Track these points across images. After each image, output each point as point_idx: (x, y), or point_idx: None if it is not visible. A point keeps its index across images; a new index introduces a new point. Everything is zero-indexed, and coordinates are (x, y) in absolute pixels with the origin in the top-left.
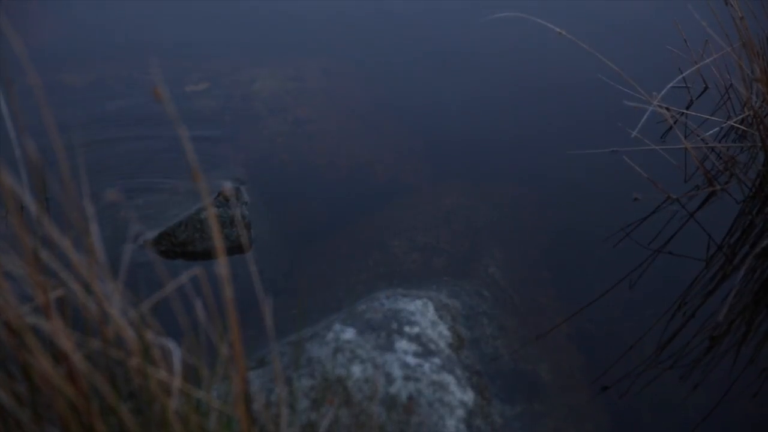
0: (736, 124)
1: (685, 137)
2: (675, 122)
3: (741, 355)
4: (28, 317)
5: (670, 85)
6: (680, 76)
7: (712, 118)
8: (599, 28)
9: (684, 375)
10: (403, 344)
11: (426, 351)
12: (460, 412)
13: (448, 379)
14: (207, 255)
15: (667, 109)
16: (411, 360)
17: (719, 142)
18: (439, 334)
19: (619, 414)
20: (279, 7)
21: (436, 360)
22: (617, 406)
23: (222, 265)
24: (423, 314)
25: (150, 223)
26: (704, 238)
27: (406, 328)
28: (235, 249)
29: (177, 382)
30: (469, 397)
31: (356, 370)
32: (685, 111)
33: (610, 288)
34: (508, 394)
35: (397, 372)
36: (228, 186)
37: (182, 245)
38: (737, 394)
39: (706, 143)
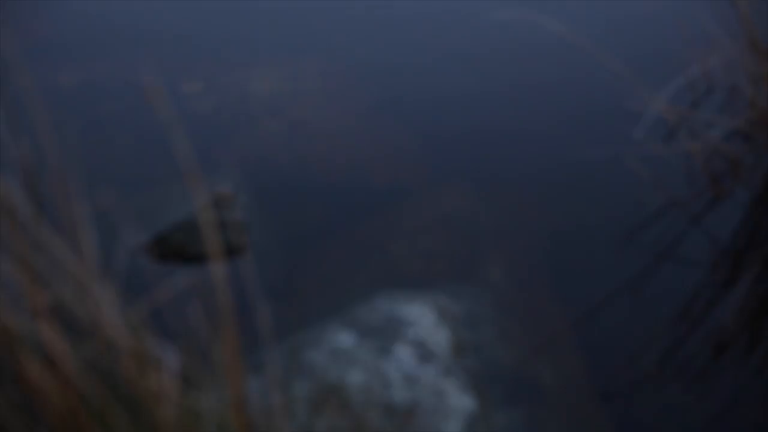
0: (742, 126)
1: (690, 139)
2: (679, 124)
3: (748, 362)
4: (21, 322)
5: (674, 85)
6: (685, 76)
7: (718, 119)
8: (601, 27)
9: (689, 382)
10: (402, 349)
11: (426, 356)
12: (461, 418)
13: (449, 384)
14: (203, 259)
15: (671, 110)
16: (411, 365)
17: (725, 143)
18: (440, 338)
19: (623, 421)
20: (276, 7)
21: (437, 365)
22: (621, 413)
23: (218, 269)
24: (423, 319)
25: (145, 226)
26: (709, 242)
27: (406, 333)
28: (231, 252)
29: (172, 388)
30: (469, 402)
31: (355, 375)
32: (689, 112)
33: (614, 293)
34: (510, 400)
35: (396, 377)
36: (224, 189)
37: (178, 249)
38: (744, 402)
39: (711, 145)
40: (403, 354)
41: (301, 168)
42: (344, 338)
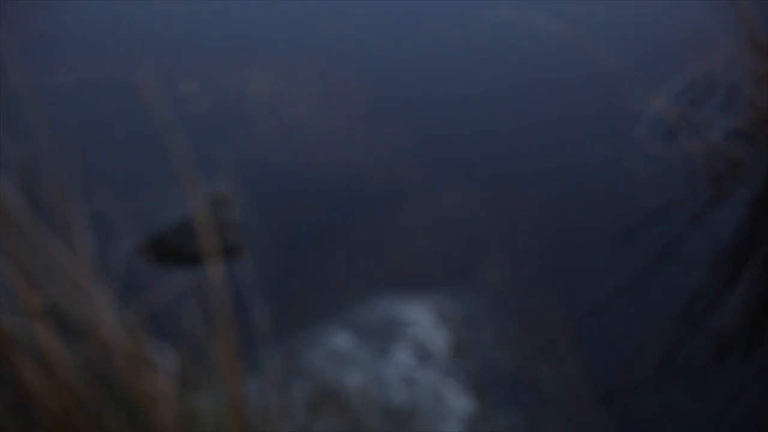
0: (742, 125)
1: (690, 139)
2: (679, 123)
3: (749, 362)
4: (17, 323)
5: (675, 84)
6: (685, 76)
7: (718, 119)
8: (601, 27)
9: (690, 383)
10: (401, 350)
11: (425, 357)
12: (460, 420)
13: (448, 386)
14: (200, 260)
15: (672, 109)
16: (409, 366)
17: (725, 143)
18: (438, 340)
19: (623, 423)
20: (274, 7)
21: (436, 367)
22: (621, 415)
23: (215, 270)
24: (422, 320)
25: (142, 227)
26: (710, 242)
27: (405, 334)
28: (228, 253)
29: (169, 390)
30: (468, 404)
31: (353, 377)
32: (689, 112)
33: (613, 294)
34: (509, 401)
35: (395, 379)
36: (221, 189)
37: (175, 250)
38: (745, 403)
39: (712, 144)
40: (402, 355)
41: (298, 168)
42: (342, 339)
